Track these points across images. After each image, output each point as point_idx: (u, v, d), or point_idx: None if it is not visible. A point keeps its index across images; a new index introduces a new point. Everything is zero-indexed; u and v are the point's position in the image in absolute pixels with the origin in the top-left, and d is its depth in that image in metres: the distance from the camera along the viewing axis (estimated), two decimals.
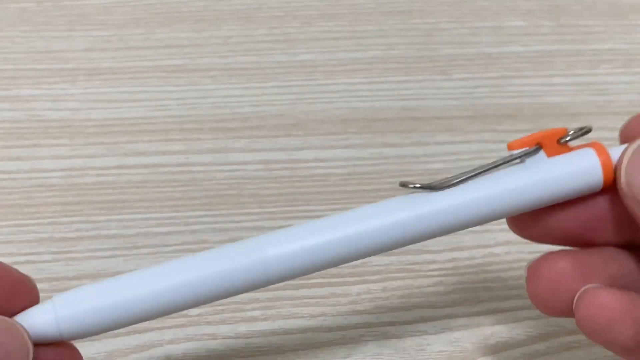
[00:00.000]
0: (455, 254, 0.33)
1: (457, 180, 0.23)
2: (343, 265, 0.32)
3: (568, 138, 0.24)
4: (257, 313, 0.31)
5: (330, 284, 0.32)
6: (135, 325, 0.30)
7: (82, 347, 0.29)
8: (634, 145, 0.23)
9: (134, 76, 0.40)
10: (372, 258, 0.33)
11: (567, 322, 0.30)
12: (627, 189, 0.22)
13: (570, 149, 0.24)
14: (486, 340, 0.30)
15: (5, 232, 0.33)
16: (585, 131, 0.24)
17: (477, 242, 0.33)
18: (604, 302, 0.23)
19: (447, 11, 0.44)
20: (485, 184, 0.23)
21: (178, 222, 0.34)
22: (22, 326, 0.22)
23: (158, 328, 0.30)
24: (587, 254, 0.24)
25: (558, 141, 0.24)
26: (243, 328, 0.30)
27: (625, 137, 0.25)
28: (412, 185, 0.23)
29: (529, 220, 0.25)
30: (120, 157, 0.36)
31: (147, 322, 0.30)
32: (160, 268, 0.23)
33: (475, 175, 0.23)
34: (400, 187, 0.23)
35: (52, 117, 0.38)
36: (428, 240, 0.33)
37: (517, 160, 0.24)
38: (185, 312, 0.30)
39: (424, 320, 0.31)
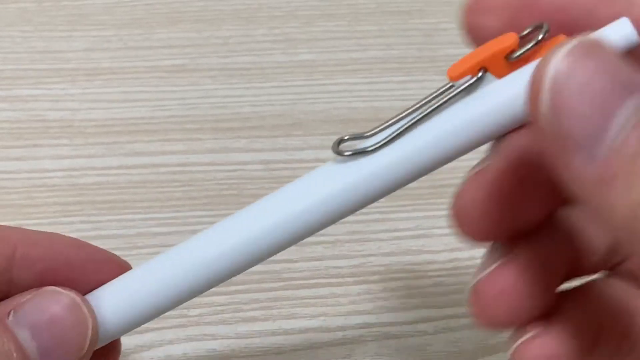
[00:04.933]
0: (456, 254, 0.33)
1: (391, 134, 0.20)
2: (339, 264, 0.32)
3: (520, 53, 0.19)
4: (257, 313, 0.31)
5: (330, 284, 0.32)
6: None
7: None
8: (564, 49, 0.16)
9: (134, 76, 0.40)
10: (372, 259, 0.33)
11: None
12: (552, 115, 0.16)
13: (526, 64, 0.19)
14: (486, 340, 0.30)
15: None
16: (543, 33, 0.19)
17: None
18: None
19: (447, 11, 0.44)
20: (426, 129, 0.20)
21: (178, 222, 0.34)
22: (89, 306, 0.21)
23: (158, 328, 0.30)
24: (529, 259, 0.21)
25: (507, 58, 0.19)
26: (243, 328, 0.30)
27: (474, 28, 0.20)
28: (347, 153, 0.20)
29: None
30: (121, 157, 0.36)
31: (148, 322, 0.30)
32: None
33: (411, 122, 0.20)
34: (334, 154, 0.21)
35: (52, 117, 0.38)
36: (428, 240, 0.33)
37: (462, 94, 0.19)
38: (185, 312, 0.30)
39: (424, 320, 0.31)
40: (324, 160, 0.36)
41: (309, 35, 0.43)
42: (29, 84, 0.40)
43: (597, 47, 0.16)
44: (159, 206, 0.34)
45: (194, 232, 0.33)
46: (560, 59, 0.16)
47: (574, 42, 0.16)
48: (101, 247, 0.33)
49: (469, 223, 0.21)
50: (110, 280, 0.22)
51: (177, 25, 0.43)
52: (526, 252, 0.21)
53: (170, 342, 0.30)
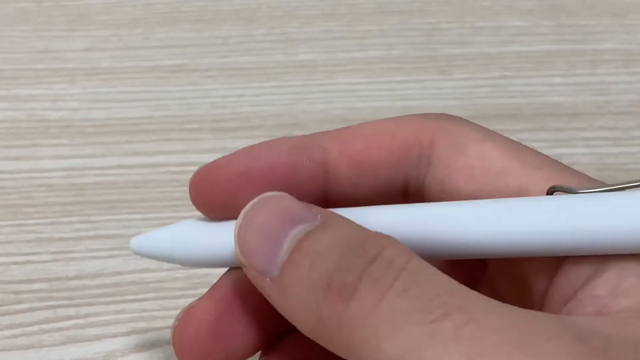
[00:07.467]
0: None
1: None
2: None
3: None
4: None
5: None
6: (135, 325, 0.30)
7: (81, 347, 0.29)
8: (245, 209, 0.21)
9: (134, 76, 0.40)
10: None
11: None
12: (241, 254, 0.20)
13: None
14: None
15: (4, 232, 0.33)
16: None
17: None
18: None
19: (447, 11, 0.44)
20: None
21: None
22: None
23: (157, 328, 0.30)
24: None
25: None
26: None
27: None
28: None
29: None
30: (120, 157, 0.36)
31: (147, 322, 0.30)
32: None
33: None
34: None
35: (51, 117, 0.38)
36: None
37: None
38: None
39: None
40: None
41: (308, 35, 0.43)
42: (29, 84, 0.40)
43: (271, 197, 0.21)
44: (159, 206, 0.34)
45: None
46: (245, 211, 0.21)
47: (256, 198, 0.21)
48: (101, 247, 0.33)
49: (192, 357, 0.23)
50: None
51: (176, 25, 0.43)
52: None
53: (169, 343, 0.29)
